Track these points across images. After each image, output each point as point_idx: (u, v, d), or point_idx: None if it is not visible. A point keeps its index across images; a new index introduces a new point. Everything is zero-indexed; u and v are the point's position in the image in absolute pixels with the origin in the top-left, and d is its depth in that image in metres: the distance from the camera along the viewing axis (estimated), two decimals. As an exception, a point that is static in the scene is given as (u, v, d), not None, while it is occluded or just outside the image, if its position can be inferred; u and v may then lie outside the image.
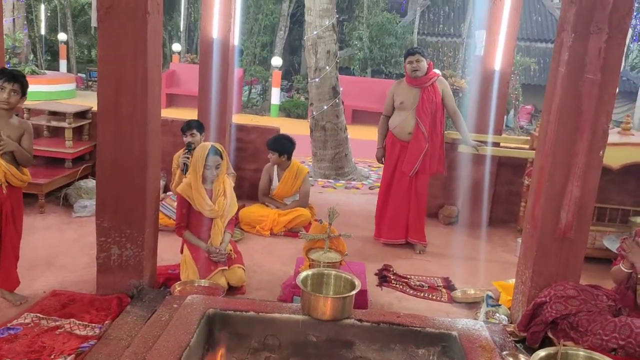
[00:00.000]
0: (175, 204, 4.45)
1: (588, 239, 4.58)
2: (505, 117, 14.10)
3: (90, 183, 5.60)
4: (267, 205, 5.58)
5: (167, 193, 5.55)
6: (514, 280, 3.85)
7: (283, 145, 5.52)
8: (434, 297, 4.15)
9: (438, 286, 4.34)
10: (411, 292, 4.20)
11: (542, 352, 2.40)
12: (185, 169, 4.94)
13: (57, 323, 3.25)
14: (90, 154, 6.05)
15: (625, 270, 3.10)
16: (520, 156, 5.78)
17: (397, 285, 4.29)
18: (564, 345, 2.48)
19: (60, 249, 4.49)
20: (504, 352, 2.88)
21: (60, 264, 4.19)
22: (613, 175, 5.06)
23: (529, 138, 6.10)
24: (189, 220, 4.10)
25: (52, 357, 2.88)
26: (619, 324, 2.89)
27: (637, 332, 2.83)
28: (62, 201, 5.52)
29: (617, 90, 3.61)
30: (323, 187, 7.45)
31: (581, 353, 2.44)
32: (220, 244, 4.04)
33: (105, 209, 3.59)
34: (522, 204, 5.67)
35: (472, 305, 4.06)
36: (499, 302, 3.91)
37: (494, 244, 5.56)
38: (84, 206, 5.32)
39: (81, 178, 5.80)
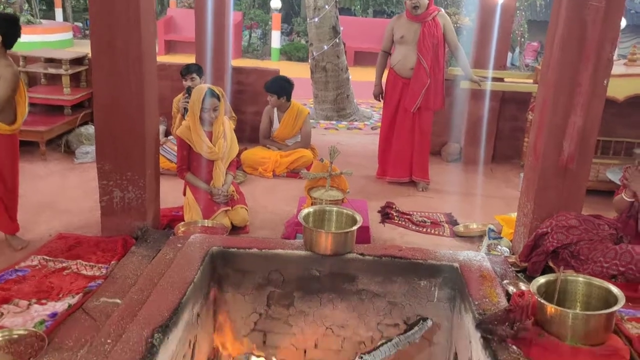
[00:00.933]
0: (176, 147, 4.44)
1: (591, 172, 4.57)
2: (511, 55, 13.83)
3: (91, 129, 5.57)
4: (268, 148, 5.56)
5: (168, 137, 5.53)
6: (516, 214, 3.86)
7: (281, 87, 5.45)
8: (437, 232, 4.18)
9: (440, 221, 4.36)
10: (414, 227, 4.23)
11: (541, 279, 2.42)
12: (185, 113, 4.90)
13: (64, 264, 3.29)
14: (89, 101, 5.99)
15: (627, 199, 3.10)
16: (523, 90, 5.70)
17: (400, 222, 4.31)
18: (563, 273, 2.50)
19: (63, 194, 4.52)
20: (505, 281, 2.91)
21: (65, 209, 4.22)
22: (618, 108, 4.98)
23: (533, 73, 6.01)
24: (190, 163, 4.10)
25: (61, 296, 2.93)
26: (620, 251, 2.92)
27: (638, 258, 2.86)
28: (64, 148, 5.51)
29: (625, 24, 3.50)
30: (325, 128, 7.41)
31: (580, 279, 2.46)
32: (222, 185, 4.05)
33: (105, 151, 3.58)
34: (525, 140, 5.62)
35: (474, 239, 4.09)
36: (501, 235, 3.94)
37: (497, 179, 5.56)
38: (86, 152, 5.32)
39: (81, 125, 5.77)
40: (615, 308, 2.21)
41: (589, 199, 3.97)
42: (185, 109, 4.88)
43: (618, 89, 4.53)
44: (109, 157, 3.57)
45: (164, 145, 5.16)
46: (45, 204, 4.26)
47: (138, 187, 3.62)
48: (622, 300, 2.23)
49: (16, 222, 3.67)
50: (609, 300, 2.31)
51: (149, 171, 3.65)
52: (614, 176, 4.60)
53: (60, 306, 2.80)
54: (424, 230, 4.20)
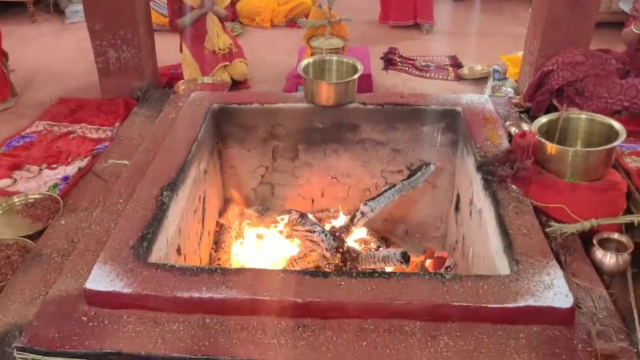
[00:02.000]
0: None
1: (605, 3, 4.36)
2: None
3: (78, -14, 5.32)
4: (265, -5, 5.31)
5: (159, -10, 5.27)
6: (522, 52, 3.75)
7: None
8: (441, 77, 4.11)
9: (445, 65, 4.27)
10: (417, 73, 4.15)
11: (543, 119, 2.40)
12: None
13: (69, 128, 3.32)
14: (71, -46, 5.64)
15: (637, 31, 2.99)
16: None
17: (403, 67, 4.23)
18: (566, 111, 2.48)
19: (58, 56, 4.43)
20: (507, 123, 2.90)
21: (62, 71, 4.15)
22: None
23: None
24: (182, 16, 3.93)
25: (70, 160, 2.99)
26: (626, 85, 2.87)
27: (643, 92, 2.82)
28: (53, 8, 5.30)
29: None
30: (324, -29, 7.00)
31: (583, 116, 2.43)
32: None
33: (94, 10, 3.44)
34: (536, -29, 5.30)
35: (479, 81, 4.03)
36: (506, 76, 3.86)
37: (505, 16, 5.34)
38: (76, 11, 5.12)
39: (67, -19, 5.49)
40: (615, 143, 2.21)
41: (599, 32, 3.83)
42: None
43: None
44: (98, 16, 3.44)
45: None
46: (41, 68, 4.19)
47: (133, 46, 3.53)
48: (622, 136, 2.22)
49: None
50: (611, 135, 2.29)
51: (142, 28, 3.53)
52: (626, 6, 4.37)
53: (70, 170, 2.87)
54: (428, 75, 4.12)
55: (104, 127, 3.29)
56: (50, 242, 2.26)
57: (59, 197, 2.58)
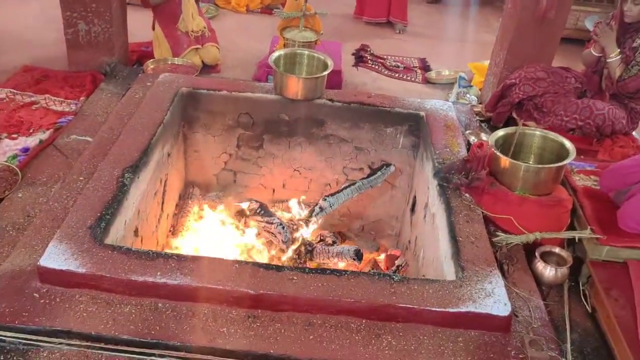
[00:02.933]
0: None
1: (571, 19, 4.50)
2: None
3: (51, -49, 5.17)
4: (242, -21, 5.28)
5: (135, -37, 5.17)
6: (488, 61, 3.85)
7: None
8: (409, 78, 4.18)
9: (414, 67, 4.34)
10: (386, 72, 4.21)
11: (500, 132, 2.50)
12: None
13: (33, 99, 3.26)
14: None
15: (595, 54, 3.11)
16: None
17: (373, 66, 4.28)
18: (524, 125, 2.58)
19: (26, 23, 4.32)
20: (467, 131, 3.00)
21: (28, 39, 4.05)
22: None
23: None
24: (157, -3, 3.90)
25: (31, 131, 2.95)
26: (581, 105, 2.99)
27: (597, 114, 2.95)
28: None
29: None
30: (304, -41, 6.98)
31: (537, 133, 2.54)
32: None
33: (66, -21, 3.38)
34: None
35: (445, 86, 4.11)
36: (472, 84, 3.96)
37: (476, 23, 5.44)
38: (47, -23, 5.00)
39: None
40: (564, 162, 2.33)
41: (564, 47, 3.97)
42: None
43: None
44: (71, -14, 3.39)
45: (130, -27, 4.85)
46: (7, 33, 4.09)
47: (104, 21, 3.48)
48: (572, 155, 2.34)
49: None
50: (562, 153, 2.41)
51: (115, 3, 3.49)
52: (591, 25, 4.52)
53: (31, 141, 2.83)
54: (397, 75, 4.19)
55: (69, 100, 3.25)
56: (5, 215, 2.25)
57: (17, 169, 2.55)
